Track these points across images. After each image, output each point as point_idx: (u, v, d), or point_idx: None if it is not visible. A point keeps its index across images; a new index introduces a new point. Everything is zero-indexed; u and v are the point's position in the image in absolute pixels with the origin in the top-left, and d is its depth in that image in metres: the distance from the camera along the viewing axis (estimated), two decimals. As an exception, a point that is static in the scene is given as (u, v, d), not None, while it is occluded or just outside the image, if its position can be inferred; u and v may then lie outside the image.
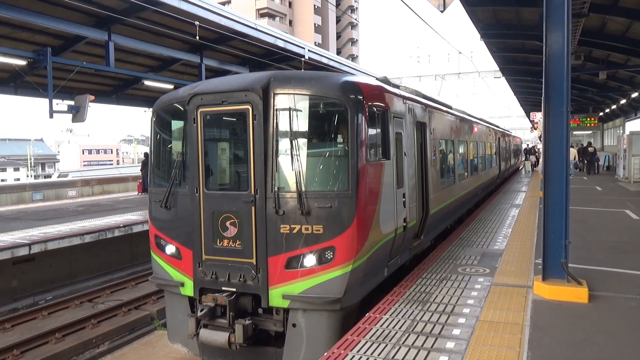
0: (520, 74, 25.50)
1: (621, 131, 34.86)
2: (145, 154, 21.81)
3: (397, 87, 8.53)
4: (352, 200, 5.76)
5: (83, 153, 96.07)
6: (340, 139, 6.11)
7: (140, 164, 23.48)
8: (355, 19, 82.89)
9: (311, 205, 5.78)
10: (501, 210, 14.50)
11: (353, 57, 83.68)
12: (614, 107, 32.51)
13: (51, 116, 13.93)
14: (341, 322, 5.94)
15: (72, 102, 15.21)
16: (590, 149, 30.20)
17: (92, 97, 15.40)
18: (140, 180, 21.86)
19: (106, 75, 18.19)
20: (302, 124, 6.02)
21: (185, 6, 13.50)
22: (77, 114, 14.95)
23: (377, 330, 5.37)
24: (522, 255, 8.64)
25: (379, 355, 4.74)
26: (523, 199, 17.39)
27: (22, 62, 13.46)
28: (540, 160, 27.18)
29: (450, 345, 4.93)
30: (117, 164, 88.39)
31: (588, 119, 33.62)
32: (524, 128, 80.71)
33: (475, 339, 5.04)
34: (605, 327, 5.33)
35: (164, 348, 8.75)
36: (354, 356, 4.73)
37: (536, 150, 41.68)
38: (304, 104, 6.04)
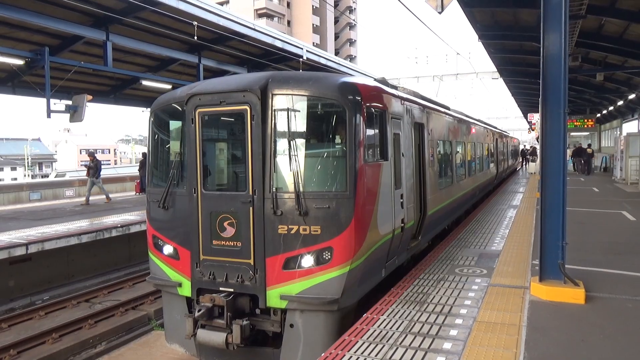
0: (518, 75, 25.55)
1: (618, 132, 34.96)
2: (144, 154, 21.75)
3: (395, 88, 8.54)
4: (350, 201, 5.77)
5: (80, 153, 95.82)
6: (338, 139, 6.12)
7: (139, 164, 23.41)
8: (354, 20, 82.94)
9: (309, 206, 5.79)
10: (499, 211, 14.53)
11: (351, 58, 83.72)
12: (611, 108, 32.62)
13: (49, 116, 13.91)
14: (339, 323, 5.94)
15: (69, 102, 15.17)
16: (589, 150, 30.77)
17: (90, 97, 15.37)
18: (138, 180, 21.83)
19: (104, 75, 18.16)
20: (300, 124, 6.02)
21: (183, 6, 13.51)
22: (75, 113, 14.92)
23: (375, 330, 5.37)
24: (519, 256, 8.66)
25: (376, 355, 4.74)
26: (520, 200, 17.42)
27: (20, 62, 13.43)
28: (537, 161, 27.44)
29: (447, 346, 4.94)
30: (115, 164, 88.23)
31: (585, 120, 33.76)
32: (522, 129, 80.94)
33: (472, 340, 5.06)
34: (601, 328, 5.34)
35: (161, 348, 8.75)
36: (351, 357, 4.74)
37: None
38: (302, 105, 6.04)
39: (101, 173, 19.02)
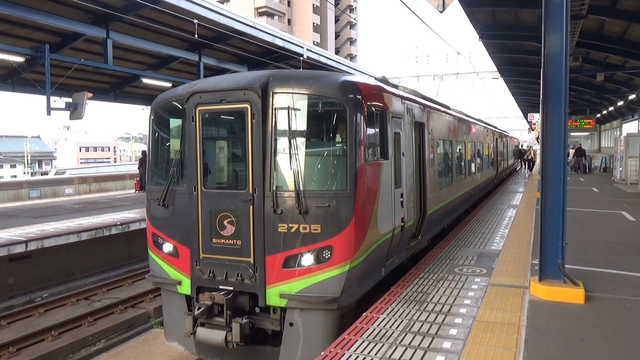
0: (519, 74, 25.54)
1: (618, 133, 34.98)
2: (143, 152, 21.73)
3: (396, 87, 8.54)
4: (350, 199, 5.77)
5: (80, 150, 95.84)
6: (338, 138, 6.12)
7: (138, 162, 23.40)
8: (354, 19, 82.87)
9: (309, 205, 5.78)
10: (498, 211, 14.53)
11: (352, 57, 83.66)
12: (611, 108, 32.63)
13: (49, 113, 13.91)
14: (338, 322, 5.94)
15: (69, 100, 15.16)
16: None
17: (90, 95, 15.38)
18: (138, 178, 21.84)
19: (104, 73, 18.13)
20: (300, 123, 6.02)
21: (184, 4, 13.49)
22: (75, 111, 14.91)
23: (374, 329, 5.37)
24: (519, 256, 8.66)
25: (375, 354, 4.74)
26: (520, 200, 17.42)
27: (20, 59, 13.42)
28: (537, 161, 27.68)
29: (447, 345, 4.94)
30: (115, 161, 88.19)
31: (585, 121, 33.83)
32: (522, 129, 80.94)
33: (471, 339, 5.06)
34: (601, 328, 5.34)
35: (160, 346, 8.74)
36: (350, 355, 4.74)
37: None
38: (302, 103, 6.04)
39: None
